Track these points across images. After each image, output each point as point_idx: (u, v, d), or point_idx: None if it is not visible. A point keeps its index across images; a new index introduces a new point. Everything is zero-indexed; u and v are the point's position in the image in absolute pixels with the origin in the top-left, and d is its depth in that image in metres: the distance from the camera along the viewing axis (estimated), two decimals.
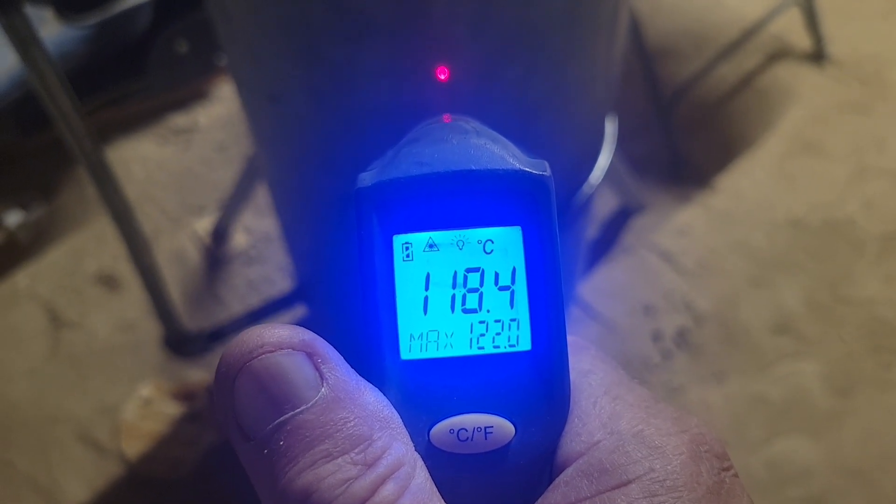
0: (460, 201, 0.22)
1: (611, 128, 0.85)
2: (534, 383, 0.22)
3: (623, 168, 1.18)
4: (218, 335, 0.99)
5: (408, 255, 0.22)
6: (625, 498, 0.19)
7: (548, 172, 0.22)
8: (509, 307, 0.22)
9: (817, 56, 1.51)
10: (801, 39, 1.54)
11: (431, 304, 0.22)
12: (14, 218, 1.29)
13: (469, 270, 0.22)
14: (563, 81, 0.65)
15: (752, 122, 1.44)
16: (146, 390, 1.14)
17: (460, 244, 0.22)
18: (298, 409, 0.19)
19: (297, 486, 0.18)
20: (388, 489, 0.18)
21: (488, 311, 0.22)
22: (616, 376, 0.23)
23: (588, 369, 0.23)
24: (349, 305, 0.98)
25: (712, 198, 1.33)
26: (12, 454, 1.10)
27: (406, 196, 0.22)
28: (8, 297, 1.25)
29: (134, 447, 1.11)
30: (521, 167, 0.22)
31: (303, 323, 1.18)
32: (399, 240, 0.22)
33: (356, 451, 0.19)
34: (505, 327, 0.22)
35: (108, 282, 1.26)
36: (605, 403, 0.22)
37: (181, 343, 0.94)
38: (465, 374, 0.22)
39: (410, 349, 0.22)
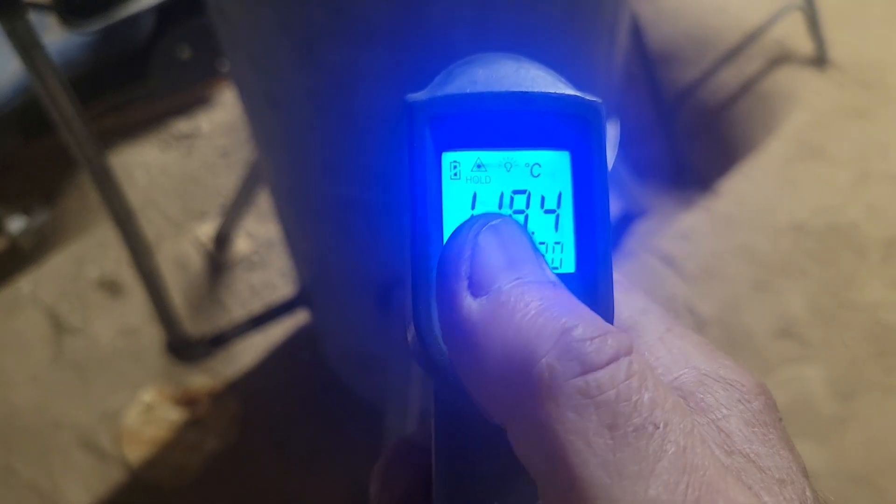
0: (511, 122, 0.22)
1: (613, 132, 0.85)
2: (580, 296, 0.21)
3: (625, 172, 1.18)
4: (220, 340, 0.99)
5: (455, 174, 0.22)
6: (733, 427, 0.20)
7: (599, 101, 0.22)
8: (554, 230, 0.22)
9: (819, 60, 1.51)
10: (802, 44, 1.54)
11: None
12: (17, 224, 1.29)
13: (516, 192, 0.22)
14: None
15: (755, 127, 1.43)
16: (148, 396, 1.14)
17: (508, 166, 0.22)
18: (537, 277, 0.19)
19: (549, 327, 0.18)
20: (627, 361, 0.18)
21: (533, 234, 0.22)
22: (671, 317, 0.23)
23: (644, 307, 0.23)
24: (351, 310, 0.98)
25: (715, 202, 1.33)
26: (15, 460, 1.10)
27: (457, 113, 0.21)
28: (11, 302, 1.25)
29: (136, 453, 1.10)
30: (574, 92, 0.22)
31: (305, 328, 1.18)
32: (448, 158, 0.22)
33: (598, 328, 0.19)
34: (549, 250, 0.22)
35: (111, 287, 1.26)
36: (670, 339, 0.22)
37: (183, 348, 0.94)
38: None
39: None
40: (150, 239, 1.10)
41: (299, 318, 1.17)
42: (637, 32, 1.25)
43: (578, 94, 0.22)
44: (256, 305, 1.21)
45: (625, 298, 0.23)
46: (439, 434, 0.22)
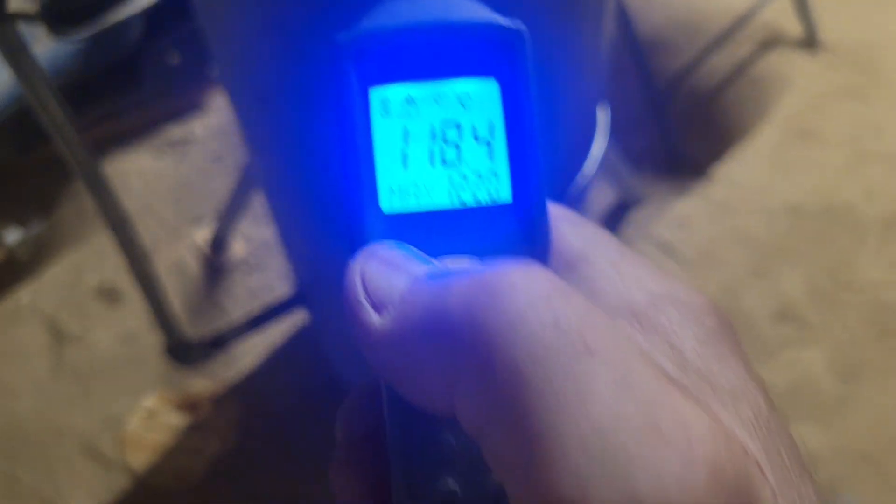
0: (436, 53, 0.22)
1: (603, 117, 0.85)
2: (515, 231, 0.22)
3: (620, 161, 1.18)
4: (219, 342, 0.99)
5: (385, 111, 0.22)
6: (686, 346, 0.20)
7: (523, 28, 0.22)
8: (488, 160, 0.22)
9: (810, 43, 1.51)
10: (792, 27, 1.53)
11: (410, 158, 0.22)
12: (13, 235, 1.29)
13: (446, 124, 0.22)
14: (550, 70, 0.65)
15: (747, 111, 1.43)
16: (150, 401, 1.14)
17: (437, 98, 0.22)
18: (429, 270, 0.20)
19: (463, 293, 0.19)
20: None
21: (467, 165, 0.22)
22: (621, 245, 0.23)
23: (594, 238, 0.23)
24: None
25: (710, 188, 1.33)
26: (18, 469, 1.11)
27: (381, 48, 0.22)
28: (10, 313, 1.25)
29: (139, 459, 1.11)
30: (498, 19, 0.22)
31: (305, 328, 1.18)
32: (376, 94, 0.22)
33: None
34: (484, 180, 0.22)
35: (109, 295, 1.26)
36: (624, 266, 0.22)
37: (183, 351, 0.94)
38: (447, 225, 0.22)
39: (391, 203, 0.22)
40: (147, 245, 1.10)
41: (298, 318, 1.17)
42: (626, 21, 1.25)
43: (501, 20, 0.22)
44: (255, 308, 1.21)
45: (575, 230, 0.23)
46: (391, 415, 0.22)
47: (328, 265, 0.94)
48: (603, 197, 1.28)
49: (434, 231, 0.22)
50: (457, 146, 0.22)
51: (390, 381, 0.20)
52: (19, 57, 0.81)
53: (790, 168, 1.35)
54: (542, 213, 0.22)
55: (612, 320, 0.19)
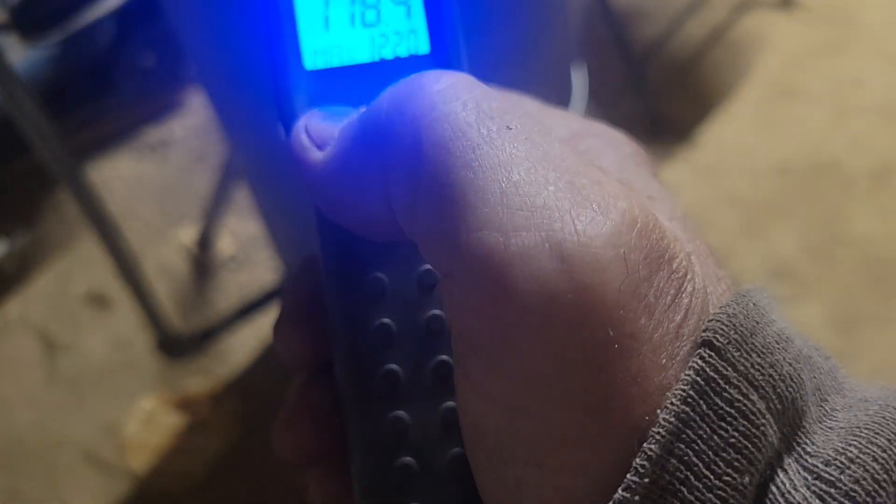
0: None
1: (579, 80, 0.84)
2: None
3: None
4: (210, 333, 0.99)
5: None
6: (608, 165, 0.22)
7: None
8: (406, 19, 0.23)
9: (785, 2, 1.51)
10: None
11: (331, 20, 0.23)
12: None
13: None
14: (515, 30, 0.64)
15: (727, 74, 1.43)
16: (148, 404, 1.14)
17: None
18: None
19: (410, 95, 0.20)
20: None
21: (387, 24, 0.23)
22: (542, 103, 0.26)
23: (518, 95, 0.25)
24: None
25: (695, 153, 1.32)
26: (20, 482, 1.10)
27: None
28: (0, 327, 1.24)
29: (141, 462, 1.10)
30: None
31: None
32: None
33: None
34: (404, 37, 0.23)
35: (99, 301, 1.25)
36: (545, 114, 0.24)
37: (174, 345, 0.93)
38: (368, 78, 0.23)
39: (314, 61, 0.23)
40: (134, 248, 1.09)
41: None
42: None
43: None
44: (247, 301, 1.20)
45: (500, 94, 0.24)
46: (327, 257, 0.24)
47: (317, 254, 0.93)
48: None
49: (356, 84, 0.23)
50: (376, 8, 0.23)
51: (333, 213, 0.22)
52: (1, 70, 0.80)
53: (774, 127, 1.35)
54: (459, 61, 0.23)
55: (529, 107, 0.21)
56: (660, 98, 1.39)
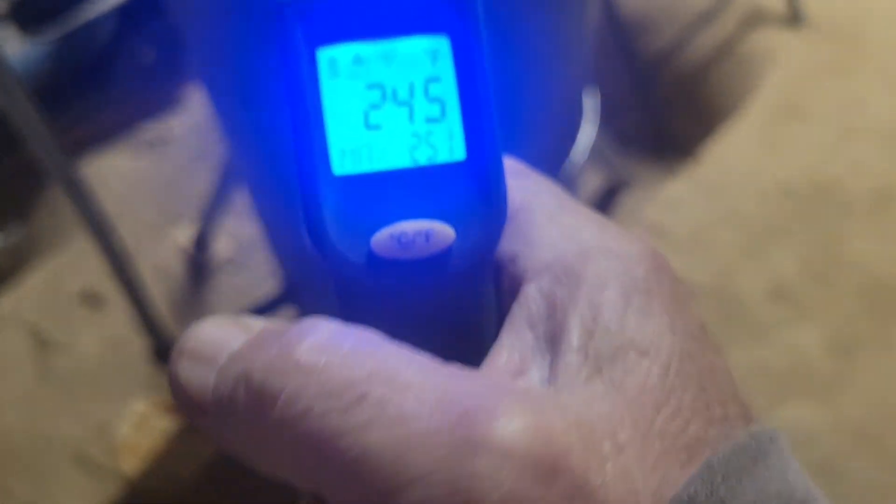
0: (384, 11, 0.21)
1: (591, 103, 0.84)
2: (471, 190, 0.22)
3: (607, 145, 1.17)
4: None
5: (334, 72, 0.21)
6: (606, 300, 0.20)
7: None
8: (441, 118, 0.22)
9: (793, 19, 1.50)
10: (776, 3, 1.53)
11: (361, 119, 0.21)
12: None
13: (397, 83, 0.22)
14: (534, 56, 0.64)
15: (733, 90, 1.43)
16: (140, 406, 1.13)
17: (387, 57, 0.21)
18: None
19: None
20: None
21: (420, 123, 0.22)
22: (564, 195, 0.24)
23: (536, 189, 0.23)
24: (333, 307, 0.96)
25: (699, 169, 1.32)
26: (9, 481, 1.09)
27: (328, 7, 0.21)
28: None
29: (131, 464, 1.09)
30: None
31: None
32: (324, 55, 0.21)
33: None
34: (437, 138, 0.22)
35: (93, 300, 1.24)
36: (561, 217, 0.22)
37: (170, 352, 0.92)
38: (401, 185, 0.22)
39: (343, 165, 0.21)
40: (130, 247, 1.08)
41: (287, 314, 1.15)
42: (609, 2, 1.24)
43: None
44: (244, 304, 1.19)
45: (519, 182, 0.23)
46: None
47: (315, 261, 0.92)
48: (592, 181, 1.27)
49: (388, 191, 0.22)
50: (409, 105, 0.22)
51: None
52: None
53: (778, 146, 1.35)
54: (498, 169, 0.22)
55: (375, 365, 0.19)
56: (665, 112, 1.38)
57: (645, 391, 0.19)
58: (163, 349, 0.93)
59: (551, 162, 0.77)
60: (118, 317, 1.21)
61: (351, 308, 0.23)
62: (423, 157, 0.22)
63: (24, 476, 1.09)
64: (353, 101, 0.21)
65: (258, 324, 0.21)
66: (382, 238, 0.21)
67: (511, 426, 0.17)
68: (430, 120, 0.22)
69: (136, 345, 1.17)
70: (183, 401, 0.20)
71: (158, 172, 1.38)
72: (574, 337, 0.20)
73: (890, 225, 1.24)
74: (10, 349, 1.21)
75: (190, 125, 1.42)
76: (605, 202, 1.28)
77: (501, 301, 0.23)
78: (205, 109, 1.41)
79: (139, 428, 1.12)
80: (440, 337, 0.22)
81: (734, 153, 1.34)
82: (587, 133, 0.81)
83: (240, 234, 1.28)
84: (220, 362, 0.20)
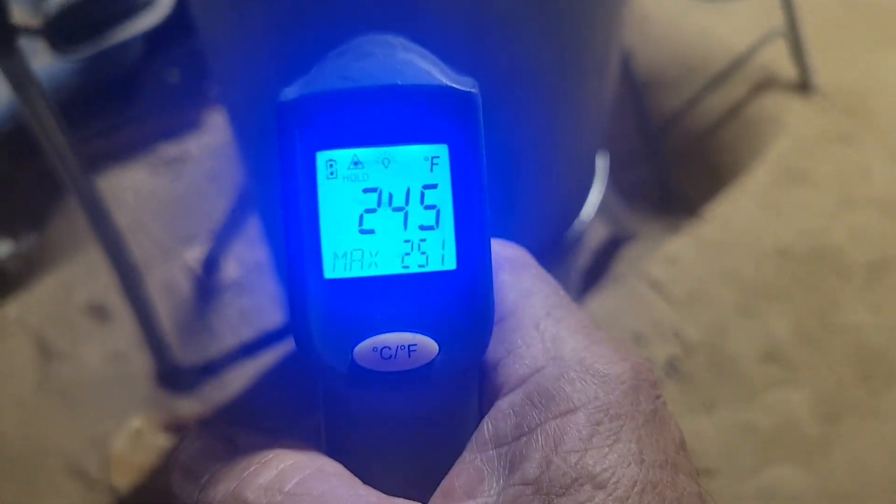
0: (385, 117, 0.21)
1: (602, 163, 0.86)
2: (458, 302, 0.21)
3: (613, 198, 1.19)
4: (210, 369, 0.99)
5: (332, 173, 0.21)
6: (572, 425, 0.20)
7: (475, 89, 0.22)
8: (435, 226, 0.21)
9: (803, 86, 1.53)
10: (787, 70, 1.56)
11: (355, 222, 0.21)
12: (4, 248, 1.28)
13: (394, 188, 0.21)
14: (553, 122, 0.66)
15: (740, 152, 1.45)
16: (137, 422, 1.14)
17: (385, 162, 0.21)
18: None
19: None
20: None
21: (413, 230, 0.21)
22: (557, 298, 0.23)
23: (529, 289, 0.23)
24: None
25: (701, 227, 1.34)
26: (1, 487, 1.09)
27: (329, 111, 0.21)
28: None
29: (124, 480, 1.10)
30: (448, 83, 0.21)
31: (294, 351, 1.17)
32: (323, 157, 0.21)
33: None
34: (430, 246, 0.21)
35: (99, 312, 1.25)
36: (547, 326, 0.22)
37: (173, 377, 0.94)
38: (390, 292, 0.21)
39: (334, 268, 0.21)
40: (139, 263, 1.10)
41: (288, 346, 1.16)
42: (623, 58, 1.27)
43: (452, 83, 0.21)
44: (246, 331, 1.20)
45: (512, 280, 0.23)
46: (328, 423, 0.23)
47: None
48: (595, 232, 1.29)
49: (375, 298, 0.21)
50: (404, 211, 0.21)
51: None
52: (19, 72, 0.80)
53: (780, 210, 1.37)
54: (486, 281, 0.21)
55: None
56: (672, 170, 1.40)
57: None
58: (165, 373, 0.94)
59: (561, 220, 0.79)
60: (123, 331, 1.22)
61: (332, 411, 0.23)
62: (413, 265, 0.21)
63: (16, 483, 1.10)
64: (348, 204, 0.21)
65: (244, 439, 0.23)
66: (365, 349, 0.21)
67: None
68: (423, 227, 0.21)
69: (139, 361, 1.18)
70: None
71: (173, 191, 1.39)
72: (531, 465, 0.19)
73: (885, 295, 1.25)
74: (13, 355, 1.22)
75: (207, 147, 1.44)
76: (606, 253, 1.29)
77: (482, 404, 0.23)
78: (222, 133, 1.44)
79: (133, 443, 1.12)
80: (418, 444, 0.22)
81: (737, 214, 1.36)
82: (597, 192, 0.83)
83: (248, 259, 1.29)
84: (202, 482, 0.21)
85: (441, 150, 0.21)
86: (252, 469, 0.20)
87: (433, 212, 0.21)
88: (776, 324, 1.23)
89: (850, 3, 1.70)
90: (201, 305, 1.25)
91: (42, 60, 1.18)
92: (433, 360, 0.21)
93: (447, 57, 0.55)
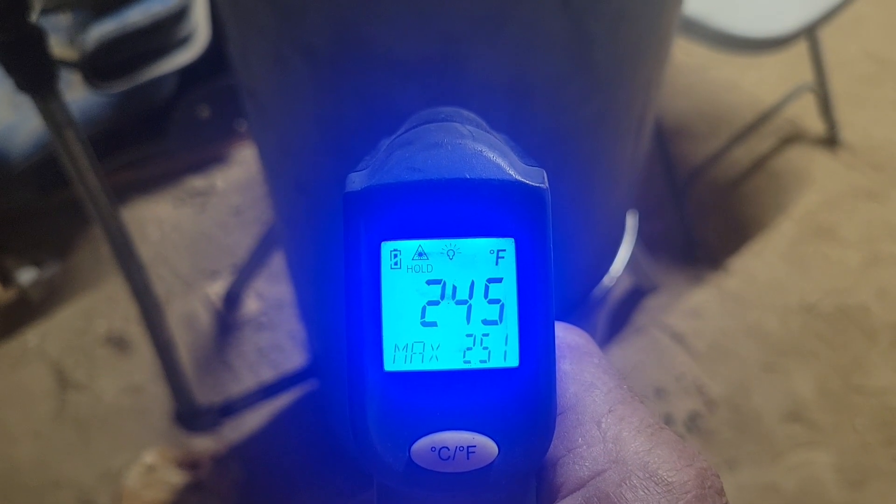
0: (452, 210, 0.21)
1: (631, 221, 0.86)
2: (520, 402, 0.21)
3: (638, 249, 1.18)
4: (229, 410, 0.98)
5: (396, 264, 0.21)
6: None
7: (545, 184, 0.21)
8: (498, 321, 0.21)
9: (831, 141, 1.52)
10: (814, 124, 1.55)
11: (418, 314, 0.21)
12: (27, 276, 1.29)
13: (459, 281, 0.21)
14: (589, 181, 0.66)
15: (766, 206, 1.44)
16: (150, 457, 1.13)
17: (451, 254, 0.21)
18: None
19: None
20: None
21: (477, 324, 0.21)
22: (620, 393, 0.22)
23: (591, 382, 0.22)
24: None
25: (725, 280, 1.33)
26: None
27: (396, 203, 0.21)
28: (17, 355, 1.25)
29: None
30: (518, 177, 0.21)
31: (313, 393, 1.17)
32: (387, 247, 0.21)
33: None
34: (493, 342, 0.21)
35: (118, 344, 1.25)
36: (609, 424, 0.21)
37: (190, 417, 0.93)
38: (450, 388, 0.21)
39: (395, 360, 0.21)
40: (160, 295, 1.10)
41: (309, 387, 1.16)
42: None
43: (521, 178, 0.21)
44: (264, 367, 1.20)
45: (574, 370, 0.23)
46: None
47: (340, 337, 0.93)
48: (619, 282, 1.28)
49: (436, 392, 0.21)
50: (467, 304, 0.21)
51: None
52: (56, 113, 0.81)
53: (805, 265, 1.36)
54: (549, 380, 0.21)
55: None
56: (697, 221, 1.40)
57: None
58: (184, 413, 0.93)
59: (591, 276, 0.78)
60: (141, 363, 1.22)
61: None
62: (475, 360, 0.21)
63: None
64: (412, 296, 0.21)
65: None
66: (423, 448, 0.20)
67: None
68: (487, 322, 0.21)
69: (155, 394, 1.18)
70: None
71: (197, 224, 1.40)
72: None
73: None
74: (31, 383, 1.22)
75: (232, 181, 1.45)
76: (629, 303, 1.28)
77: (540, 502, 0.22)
78: (249, 167, 1.45)
79: (146, 479, 1.11)
80: None
81: (762, 268, 1.35)
82: (626, 250, 0.83)
83: (268, 295, 1.29)
84: None
85: (507, 244, 0.21)
86: None
87: (497, 306, 0.21)
88: (800, 382, 1.21)
89: (878, 59, 1.70)
90: (220, 341, 1.25)
91: (76, 93, 1.20)
92: (492, 462, 0.21)
93: (488, 116, 0.55)
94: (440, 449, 0.20)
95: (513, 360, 0.21)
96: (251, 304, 1.28)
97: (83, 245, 1.37)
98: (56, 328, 1.27)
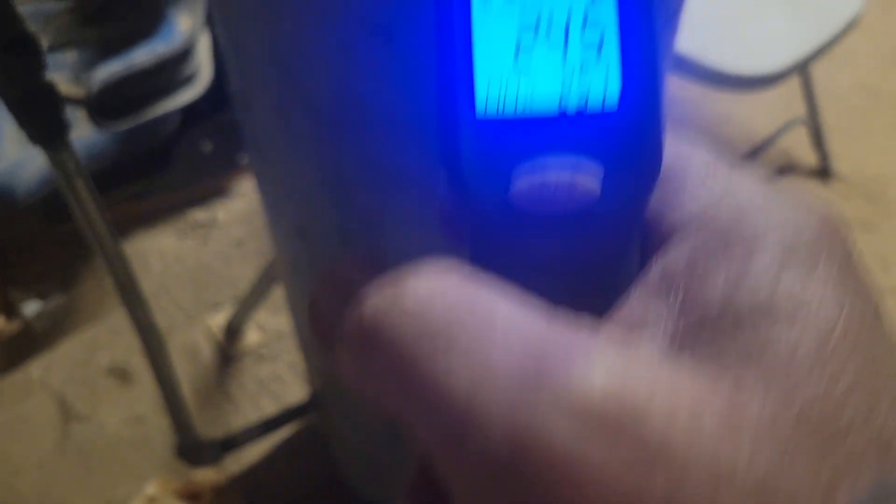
0: None
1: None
2: (623, 135, 0.19)
3: None
4: (230, 444, 1.00)
5: (486, 2, 0.19)
6: (757, 262, 0.17)
7: None
8: (597, 56, 0.19)
9: (824, 173, 1.55)
10: (807, 156, 1.58)
11: (512, 53, 0.19)
12: (31, 307, 1.30)
13: (554, 15, 0.19)
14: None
15: None
16: (152, 488, 1.14)
17: None
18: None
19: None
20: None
21: (575, 62, 0.19)
22: (723, 152, 0.20)
23: (693, 142, 0.21)
24: (362, 415, 0.98)
25: None
26: None
27: None
28: (21, 386, 1.26)
29: None
30: None
31: (314, 425, 1.18)
32: None
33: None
34: (593, 79, 0.19)
35: (121, 375, 1.27)
36: (718, 174, 0.19)
37: (192, 451, 0.94)
38: (549, 128, 0.19)
39: (488, 104, 0.19)
40: (162, 327, 1.11)
41: (310, 421, 1.17)
42: None
43: None
44: (265, 399, 1.21)
45: (672, 135, 0.21)
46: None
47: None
48: None
49: (534, 133, 0.19)
50: (565, 41, 0.19)
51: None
52: (63, 156, 0.83)
53: None
54: (656, 118, 0.19)
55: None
56: None
57: (790, 364, 0.15)
58: (186, 447, 0.95)
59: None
60: (143, 395, 1.23)
61: (484, 255, 0.21)
62: (573, 99, 0.19)
63: None
64: (504, 35, 0.20)
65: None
66: (524, 187, 0.19)
67: (586, 377, 0.14)
68: (586, 59, 0.19)
69: (157, 425, 1.19)
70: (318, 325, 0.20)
71: (199, 256, 1.42)
72: (710, 298, 0.17)
73: None
74: (34, 415, 1.23)
75: (234, 213, 1.47)
76: None
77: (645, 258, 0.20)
78: (250, 200, 1.47)
79: None
80: (573, 291, 0.20)
81: None
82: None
83: (270, 327, 1.31)
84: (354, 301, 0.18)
85: None
86: (407, 281, 0.17)
87: (596, 42, 0.19)
88: None
89: (871, 90, 1.73)
90: (222, 372, 1.26)
91: (81, 129, 1.22)
92: (597, 197, 0.19)
93: None
94: (542, 185, 0.19)
95: (612, 101, 0.19)
96: (252, 336, 1.30)
97: (87, 277, 1.39)
98: (59, 360, 1.29)
